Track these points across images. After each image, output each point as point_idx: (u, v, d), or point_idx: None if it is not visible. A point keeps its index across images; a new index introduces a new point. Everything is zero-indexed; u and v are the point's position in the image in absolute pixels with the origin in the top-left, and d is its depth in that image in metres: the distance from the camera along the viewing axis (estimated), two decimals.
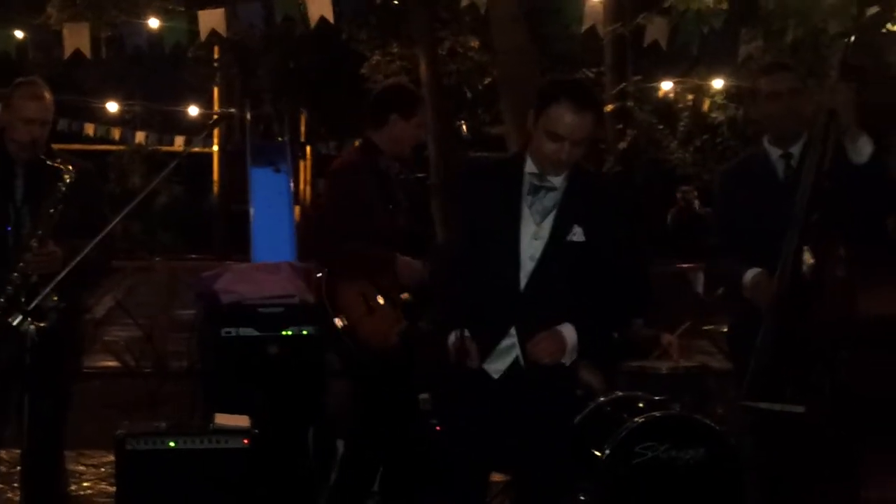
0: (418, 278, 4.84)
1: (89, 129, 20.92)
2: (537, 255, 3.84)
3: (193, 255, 18.77)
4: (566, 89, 3.83)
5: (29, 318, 4.10)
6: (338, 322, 4.82)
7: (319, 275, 4.95)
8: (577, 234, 3.84)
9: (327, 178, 5.05)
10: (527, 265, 3.84)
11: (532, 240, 3.85)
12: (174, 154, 21.81)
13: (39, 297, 4.13)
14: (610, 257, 3.86)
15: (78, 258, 4.11)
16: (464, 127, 4.85)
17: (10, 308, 4.29)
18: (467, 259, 3.92)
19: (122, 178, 21.81)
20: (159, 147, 22.49)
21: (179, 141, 22.28)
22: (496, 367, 3.89)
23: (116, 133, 21.68)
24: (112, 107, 20.38)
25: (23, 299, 4.30)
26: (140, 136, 22.23)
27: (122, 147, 22.31)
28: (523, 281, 3.84)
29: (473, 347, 3.80)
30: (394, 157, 5.07)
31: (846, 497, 3.94)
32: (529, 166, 3.89)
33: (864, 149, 4.16)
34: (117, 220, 4.30)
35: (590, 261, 3.85)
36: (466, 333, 3.78)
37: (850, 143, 4.15)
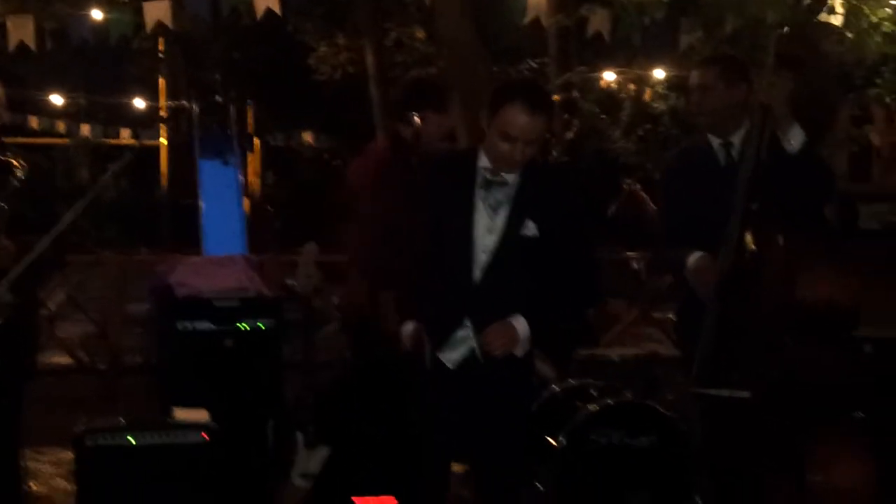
0: None
1: (33, 122, 20.70)
2: (491, 247, 3.93)
3: (142, 249, 18.67)
4: (519, 91, 3.91)
5: None
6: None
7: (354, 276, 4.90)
8: (530, 229, 3.93)
9: (362, 181, 4.93)
10: (480, 258, 3.93)
11: (486, 233, 3.94)
12: (120, 147, 21.65)
13: None
14: (562, 251, 3.96)
15: (34, 254, 4.12)
16: (416, 118, 4.84)
17: None
18: (423, 250, 4.01)
19: (69, 171, 21.60)
20: (105, 140, 22.30)
21: (125, 133, 22.07)
22: (452, 357, 3.97)
23: (61, 126, 21.47)
24: (56, 99, 20.18)
25: None
26: (85, 129, 22.03)
27: (66, 140, 22.10)
28: (477, 273, 3.93)
29: (426, 341, 3.89)
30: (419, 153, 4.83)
31: (792, 481, 4.06)
32: (483, 161, 3.98)
33: (795, 138, 4.28)
34: (72, 215, 4.31)
35: (543, 254, 3.94)
36: (420, 328, 3.89)
37: (782, 133, 4.29)
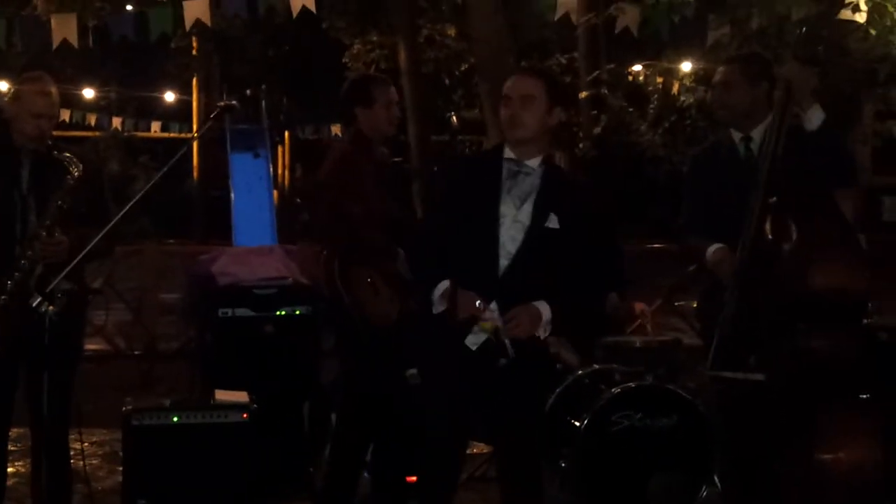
0: None
1: (65, 114, 21.00)
2: (518, 237, 4.14)
3: (172, 241, 18.92)
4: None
5: (45, 301, 4.31)
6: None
7: (324, 255, 5.18)
8: (553, 222, 4.15)
9: (329, 169, 5.29)
10: (507, 246, 4.13)
11: (512, 223, 4.15)
12: (150, 140, 21.98)
13: (56, 281, 4.33)
14: (583, 241, 4.17)
15: (89, 247, 4.33)
16: (454, 118, 5.03)
17: (17, 293, 4.54)
18: (449, 242, 4.22)
19: (100, 163, 21.88)
20: (135, 133, 22.58)
21: (156, 126, 22.39)
22: (475, 340, 4.17)
23: (92, 119, 21.77)
24: (88, 93, 20.48)
25: (31, 284, 4.53)
26: (116, 122, 22.33)
27: (97, 133, 22.39)
28: (503, 262, 4.13)
29: (465, 295, 4.05)
30: (380, 142, 5.37)
31: (802, 458, 4.20)
32: (507, 153, 4.23)
33: (814, 117, 4.45)
34: (124, 211, 4.50)
35: (565, 245, 4.15)
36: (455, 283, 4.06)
37: (802, 112, 4.47)
